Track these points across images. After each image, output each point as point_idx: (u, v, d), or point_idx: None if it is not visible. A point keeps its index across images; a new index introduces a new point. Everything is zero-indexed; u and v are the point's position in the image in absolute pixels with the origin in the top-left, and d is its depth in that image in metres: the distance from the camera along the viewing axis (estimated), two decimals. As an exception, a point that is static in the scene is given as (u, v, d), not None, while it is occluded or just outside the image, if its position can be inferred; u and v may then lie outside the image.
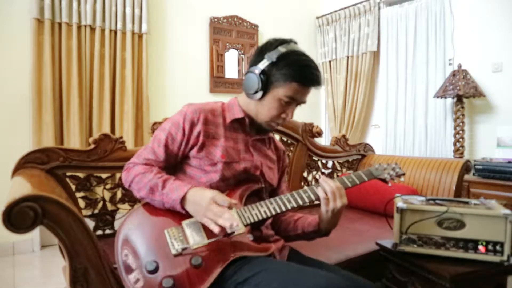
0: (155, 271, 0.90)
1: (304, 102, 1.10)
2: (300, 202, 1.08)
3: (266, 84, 1.06)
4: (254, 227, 1.07)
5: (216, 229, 0.91)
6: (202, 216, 0.94)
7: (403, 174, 1.22)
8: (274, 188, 1.24)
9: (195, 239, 0.96)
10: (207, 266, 0.92)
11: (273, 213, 1.05)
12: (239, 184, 1.12)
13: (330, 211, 1.05)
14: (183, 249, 0.94)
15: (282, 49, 1.05)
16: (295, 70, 1.04)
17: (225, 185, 1.09)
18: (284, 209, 1.06)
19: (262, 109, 1.10)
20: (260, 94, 1.06)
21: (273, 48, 1.06)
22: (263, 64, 1.05)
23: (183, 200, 0.97)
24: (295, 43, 1.11)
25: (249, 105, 1.14)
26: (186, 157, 1.11)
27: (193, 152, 1.09)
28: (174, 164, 1.13)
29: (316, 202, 1.11)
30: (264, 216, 1.04)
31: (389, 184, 1.20)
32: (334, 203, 1.04)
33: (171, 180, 1.03)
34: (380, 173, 1.19)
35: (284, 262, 1.03)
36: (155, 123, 1.54)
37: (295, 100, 1.08)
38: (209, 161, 1.08)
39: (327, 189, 1.04)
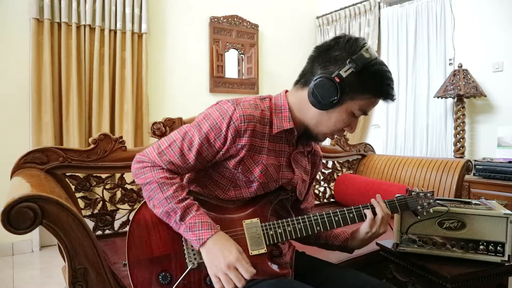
0: (167, 285, 0.87)
1: (367, 115, 0.98)
2: (328, 227, 0.99)
3: (343, 94, 0.89)
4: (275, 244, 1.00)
5: (217, 287, 0.83)
6: (213, 273, 0.84)
7: (436, 206, 1.13)
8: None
9: None
10: None
11: (299, 235, 0.97)
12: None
13: (370, 234, 1.01)
14: (200, 263, 0.88)
15: (366, 54, 0.87)
16: (379, 84, 0.90)
17: (253, 197, 0.99)
18: (310, 232, 0.98)
19: (328, 121, 0.94)
20: (333, 105, 0.90)
21: (356, 51, 0.88)
22: (344, 71, 0.87)
23: (202, 244, 0.85)
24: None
25: (306, 112, 0.96)
26: (216, 163, 0.97)
27: (229, 164, 0.94)
28: (201, 168, 0.99)
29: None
30: (289, 238, 0.97)
31: (418, 217, 1.12)
32: (379, 228, 1.00)
33: (194, 210, 0.88)
34: (414, 205, 1.09)
35: (295, 283, 0.93)
36: (154, 123, 1.54)
37: (365, 113, 0.95)
38: (245, 178, 0.95)
39: (379, 213, 0.99)
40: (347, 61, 0.87)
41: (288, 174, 1.01)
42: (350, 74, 0.87)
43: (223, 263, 0.82)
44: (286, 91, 1.02)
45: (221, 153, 0.92)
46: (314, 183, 1.18)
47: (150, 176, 0.90)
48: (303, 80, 0.97)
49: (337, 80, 0.87)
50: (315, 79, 0.90)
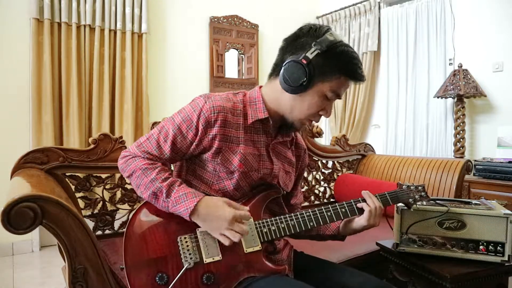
0: (164, 285, 0.87)
1: (340, 98, 1.00)
2: (321, 222, 1.01)
3: (312, 76, 0.92)
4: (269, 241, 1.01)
5: (227, 243, 0.88)
6: (218, 234, 0.89)
7: (427, 198, 1.16)
8: (287, 192, 1.14)
9: (209, 252, 0.91)
10: (218, 285, 0.90)
11: (293, 231, 0.99)
12: (255, 190, 1.03)
13: (368, 226, 1.02)
14: (196, 263, 0.90)
15: (330, 37, 0.91)
16: (346, 63, 0.93)
17: (240, 194, 1.01)
18: (304, 228, 1.00)
19: (301, 105, 0.96)
20: (304, 88, 0.93)
21: (320, 35, 0.92)
22: (311, 53, 0.91)
23: (192, 213, 0.88)
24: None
25: (281, 100, 0.99)
26: (197, 158, 1.01)
27: (207, 156, 0.98)
28: (180, 160, 1.04)
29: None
30: (283, 234, 0.98)
31: (411, 210, 1.15)
32: (374, 219, 1.01)
33: (176, 185, 0.92)
34: (405, 198, 1.12)
35: (293, 281, 0.95)
36: (154, 123, 1.54)
37: (338, 96, 0.97)
38: (225, 169, 0.98)
39: (371, 205, 1.01)
40: (312, 44, 0.91)
41: (268, 164, 1.04)
42: (316, 56, 0.91)
43: (226, 221, 0.87)
44: (260, 87, 1.06)
45: (194, 144, 0.97)
46: (314, 182, 1.19)
47: (133, 166, 0.96)
48: (275, 72, 1.00)
49: (304, 62, 0.91)
50: (284, 65, 0.94)
